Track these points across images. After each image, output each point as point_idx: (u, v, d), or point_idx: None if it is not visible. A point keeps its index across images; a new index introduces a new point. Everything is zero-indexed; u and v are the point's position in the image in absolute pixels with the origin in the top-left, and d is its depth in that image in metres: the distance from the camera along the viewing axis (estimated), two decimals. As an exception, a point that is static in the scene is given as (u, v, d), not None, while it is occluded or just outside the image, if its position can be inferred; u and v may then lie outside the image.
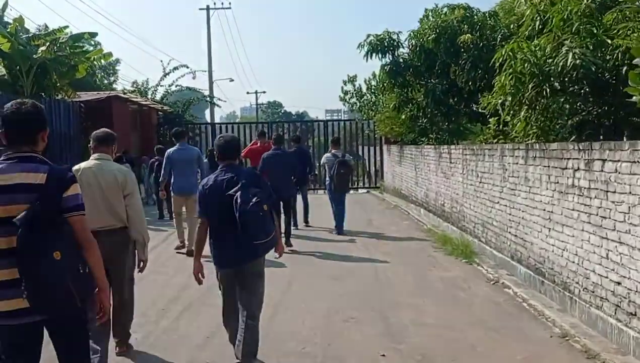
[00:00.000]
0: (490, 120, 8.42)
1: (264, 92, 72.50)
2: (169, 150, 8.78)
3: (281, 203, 8.41)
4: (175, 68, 23.26)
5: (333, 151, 10.73)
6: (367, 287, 6.46)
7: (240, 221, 3.73)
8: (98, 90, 22.75)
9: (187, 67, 23.97)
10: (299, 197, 10.78)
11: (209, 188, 4.00)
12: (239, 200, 3.74)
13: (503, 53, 5.89)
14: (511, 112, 6.55)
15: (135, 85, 24.48)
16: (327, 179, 10.50)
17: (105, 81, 31.50)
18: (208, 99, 26.39)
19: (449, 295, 6.02)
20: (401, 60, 11.57)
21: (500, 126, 8.47)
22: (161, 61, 25.65)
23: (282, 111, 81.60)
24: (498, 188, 7.36)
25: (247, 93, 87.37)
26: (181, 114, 22.62)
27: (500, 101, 6.32)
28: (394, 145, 16.19)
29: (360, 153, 22.56)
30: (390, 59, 11.54)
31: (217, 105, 28.02)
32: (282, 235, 6.43)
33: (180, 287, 6.52)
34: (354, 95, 22.07)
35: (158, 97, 23.28)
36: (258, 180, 4.06)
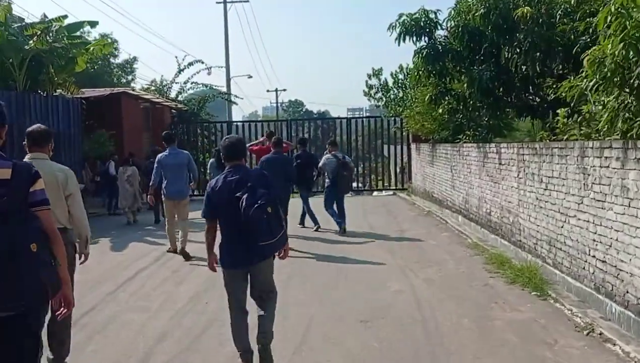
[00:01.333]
0: (558, 111, 6.69)
1: (284, 90, 71.90)
2: (159, 155, 8.65)
3: None
4: (190, 64, 22.18)
5: (333, 152, 10.66)
6: (410, 337, 4.72)
7: (245, 223, 3.73)
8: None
9: (203, 63, 22.89)
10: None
11: (218, 189, 3.95)
12: (244, 203, 3.73)
13: (612, 10, 4.09)
14: (603, 98, 4.84)
15: (153, 84, 23.38)
16: (328, 181, 10.57)
17: (123, 80, 30.55)
18: (224, 96, 25.01)
19: (531, 356, 4.22)
20: (439, 44, 9.88)
21: (567, 120, 6.78)
22: (176, 57, 24.40)
23: (304, 110, 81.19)
24: (575, 198, 5.76)
25: (267, 91, 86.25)
26: (196, 112, 21.46)
27: (591, 83, 4.59)
28: (424, 143, 14.87)
29: (385, 152, 21.06)
30: (427, 42, 9.84)
31: (234, 103, 26.82)
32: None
33: (159, 334, 4.96)
34: (380, 89, 20.42)
35: (173, 94, 22.14)
36: (266, 181, 3.99)
